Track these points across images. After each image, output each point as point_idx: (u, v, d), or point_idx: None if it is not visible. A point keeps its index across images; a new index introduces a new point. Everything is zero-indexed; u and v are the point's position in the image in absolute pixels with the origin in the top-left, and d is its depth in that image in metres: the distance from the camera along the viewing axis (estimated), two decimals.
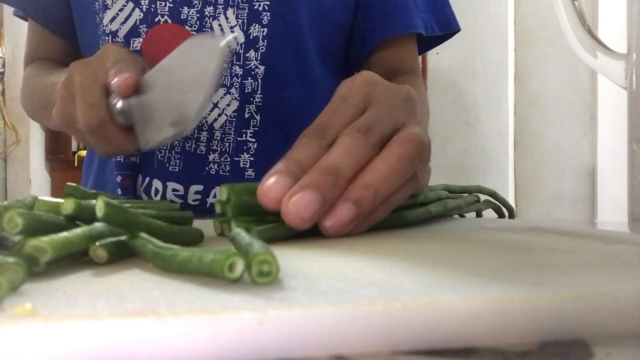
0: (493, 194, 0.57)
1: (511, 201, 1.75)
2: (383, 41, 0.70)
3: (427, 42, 0.76)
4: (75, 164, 3.37)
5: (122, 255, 0.25)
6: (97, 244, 0.24)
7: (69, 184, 0.37)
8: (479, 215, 0.56)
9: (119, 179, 0.65)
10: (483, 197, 0.57)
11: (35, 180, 3.35)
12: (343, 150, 0.33)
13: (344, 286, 0.20)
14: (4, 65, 3.19)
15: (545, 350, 0.17)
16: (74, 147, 3.52)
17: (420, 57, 0.78)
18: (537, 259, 0.27)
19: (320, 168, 0.32)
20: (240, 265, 0.19)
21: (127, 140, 0.50)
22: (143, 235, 0.25)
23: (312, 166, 0.33)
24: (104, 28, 0.63)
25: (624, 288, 0.20)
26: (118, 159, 0.65)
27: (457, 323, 0.17)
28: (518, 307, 0.18)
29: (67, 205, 0.26)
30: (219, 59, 0.43)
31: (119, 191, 0.65)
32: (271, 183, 0.31)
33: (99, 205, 0.25)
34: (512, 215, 0.60)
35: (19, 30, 3.04)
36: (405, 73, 0.72)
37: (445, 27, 0.73)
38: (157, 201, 0.34)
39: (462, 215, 0.54)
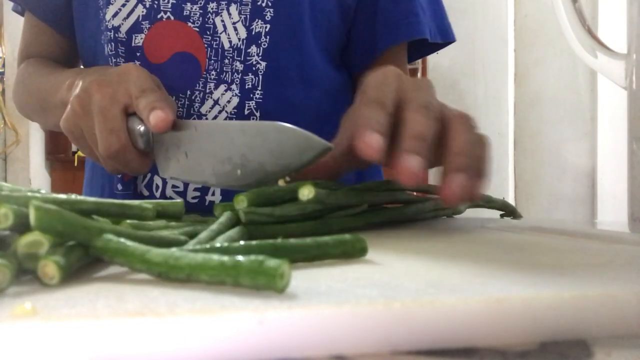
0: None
1: (511, 201, 1.75)
2: (387, 50, 0.70)
3: (420, 50, 0.76)
4: (75, 164, 3.37)
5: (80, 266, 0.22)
6: (46, 257, 0.20)
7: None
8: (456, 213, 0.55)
9: (120, 174, 0.65)
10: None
11: (35, 180, 3.35)
12: (419, 122, 0.38)
13: (344, 286, 0.20)
14: (4, 65, 3.19)
15: (545, 350, 0.17)
16: (74, 147, 3.51)
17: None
18: (537, 259, 0.27)
19: (412, 136, 0.38)
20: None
21: (142, 163, 0.50)
22: (111, 241, 0.21)
23: (389, 128, 0.38)
24: (107, 23, 0.63)
25: (624, 288, 0.20)
26: None
27: (457, 323, 0.17)
28: (518, 307, 0.18)
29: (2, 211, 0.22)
30: (314, 159, 0.38)
31: (119, 186, 0.65)
32: (371, 138, 0.37)
33: (30, 211, 0.20)
34: (513, 215, 0.60)
35: (19, 30, 3.03)
36: None
37: (444, 36, 0.74)
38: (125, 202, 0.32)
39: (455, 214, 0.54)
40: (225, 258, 0.19)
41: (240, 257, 0.19)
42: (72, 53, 0.75)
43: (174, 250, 0.21)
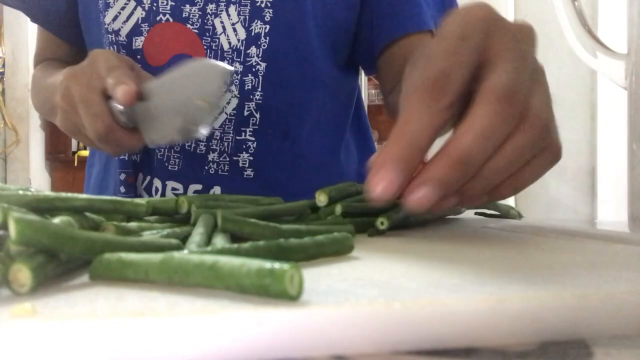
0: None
1: (511, 201, 1.75)
2: (396, 40, 0.68)
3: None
4: (75, 164, 3.37)
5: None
6: (20, 262, 0.18)
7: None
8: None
9: (122, 176, 0.65)
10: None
11: (35, 180, 3.35)
12: (480, 130, 0.27)
13: (344, 286, 0.20)
14: (4, 66, 3.19)
15: (545, 350, 0.17)
16: (74, 147, 3.52)
17: None
18: (537, 259, 0.27)
19: (448, 158, 0.28)
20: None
21: (133, 139, 0.53)
22: (111, 265, 0.21)
23: (428, 142, 0.28)
24: (107, 27, 0.63)
25: (624, 288, 0.20)
26: (122, 157, 0.65)
27: (457, 323, 0.17)
28: (518, 307, 0.18)
29: None
30: (220, 82, 0.48)
31: (122, 189, 0.65)
32: (380, 183, 0.27)
33: (10, 224, 0.18)
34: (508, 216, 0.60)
35: (19, 31, 3.05)
36: None
37: None
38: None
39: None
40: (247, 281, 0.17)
41: (256, 272, 0.17)
42: (83, 57, 0.76)
43: (176, 265, 0.19)
